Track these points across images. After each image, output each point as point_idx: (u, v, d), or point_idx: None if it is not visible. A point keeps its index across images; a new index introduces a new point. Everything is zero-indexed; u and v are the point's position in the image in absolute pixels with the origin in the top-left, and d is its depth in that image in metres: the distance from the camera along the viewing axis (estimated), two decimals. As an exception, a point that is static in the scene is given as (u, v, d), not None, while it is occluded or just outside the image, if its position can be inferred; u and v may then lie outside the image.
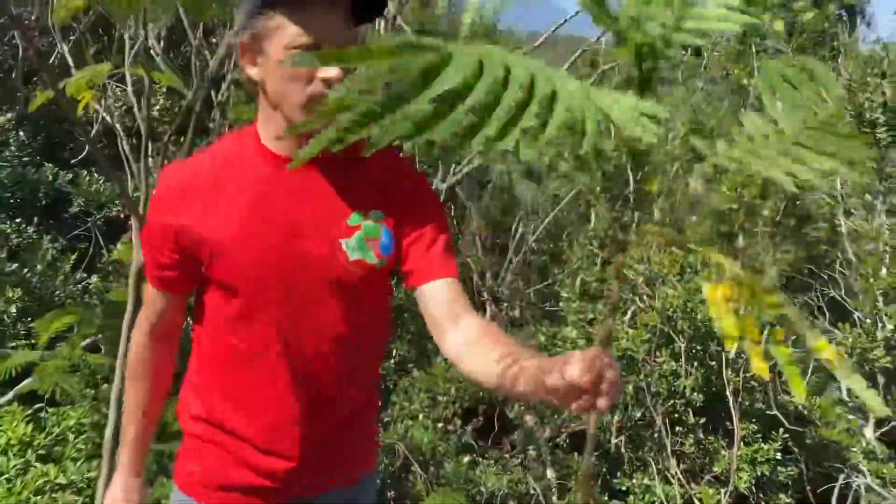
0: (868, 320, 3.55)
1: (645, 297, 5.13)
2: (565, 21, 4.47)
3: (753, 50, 5.88)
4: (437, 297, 1.29)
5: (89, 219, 5.15)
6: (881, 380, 3.50)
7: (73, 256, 4.61)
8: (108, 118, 3.98)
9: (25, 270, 4.11)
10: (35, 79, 5.81)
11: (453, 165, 5.08)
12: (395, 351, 4.75)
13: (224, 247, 1.27)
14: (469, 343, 1.24)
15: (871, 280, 3.58)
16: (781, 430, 3.98)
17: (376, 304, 1.39)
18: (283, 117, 1.25)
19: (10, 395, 3.09)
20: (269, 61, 1.21)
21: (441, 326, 1.28)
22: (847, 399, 3.58)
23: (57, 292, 4.15)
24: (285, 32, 1.18)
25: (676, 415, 4.86)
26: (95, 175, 5.12)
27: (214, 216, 1.28)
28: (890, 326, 3.29)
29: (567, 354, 0.96)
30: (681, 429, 4.85)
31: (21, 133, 5.26)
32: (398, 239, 1.32)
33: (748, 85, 5.57)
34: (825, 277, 4.19)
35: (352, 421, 1.42)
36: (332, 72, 1.17)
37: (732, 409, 4.29)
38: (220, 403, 1.39)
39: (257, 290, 1.29)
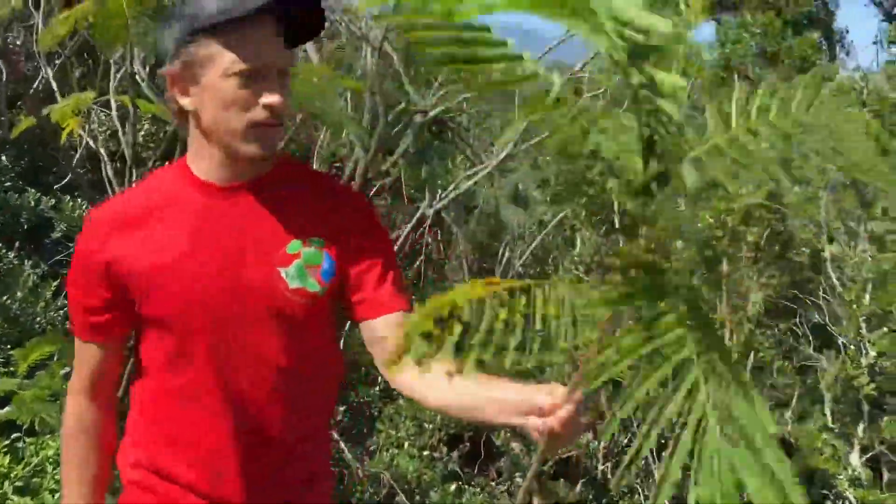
0: (852, 347, 3.56)
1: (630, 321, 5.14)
2: (549, 50, 4.51)
3: (736, 77, 5.96)
4: (389, 330, 1.26)
5: (72, 244, 5.09)
6: (865, 407, 3.51)
7: (55, 283, 4.56)
8: (92, 143, 3.96)
9: (5, 297, 4.05)
10: (19, 103, 5.79)
11: (440, 190, 5.09)
12: (379, 378, 4.72)
13: (157, 279, 1.23)
14: (425, 373, 1.21)
15: (854, 306, 3.60)
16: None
17: (320, 333, 1.34)
18: (218, 146, 1.21)
19: (-13, 425, 3.03)
20: (204, 90, 1.17)
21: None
22: (832, 426, 3.58)
23: (38, 319, 4.09)
24: (221, 59, 1.14)
25: (663, 440, 4.85)
26: (79, 200, 5.08)
27: (147, 248, 1.24)
28: (873, 353, 3.30)
29: (547, 384, 1.04)
30: (666, 454, 4.85)
31: (3, 158, 5.22)
32: (342, 267, 1.28)
33: (730, 112, 5.62)
34: (809, 303, 4.21)
35: (302, 460, 1.35)
36: (274, 97, 1.16)
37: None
38: (160, 448, 1.31)
39: (193, 324, 1.24)
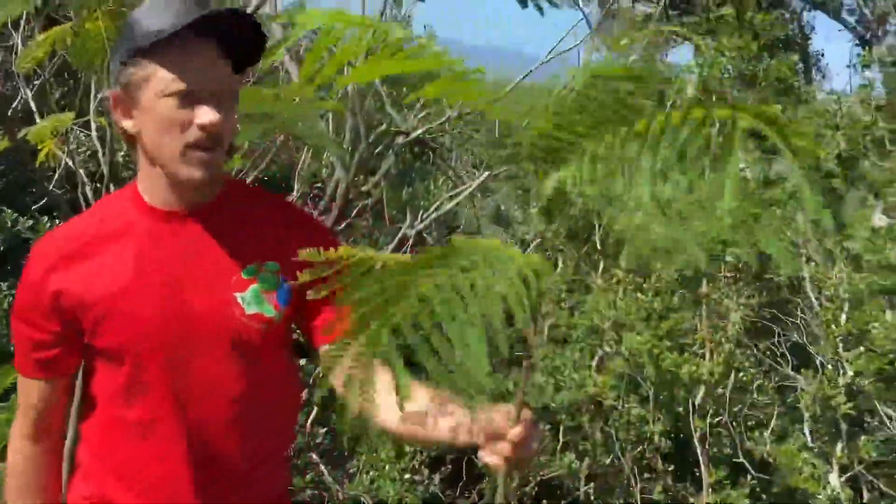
0: (830, 366, 3.59)
1: (612, 343, 5.15)
2: (531, 71, 4.55)
3: (713, 100, 6.03)
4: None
5: (49, 264, 5.01)
6: (844, 426, 3.54)
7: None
8: (70, 163, 3.93)
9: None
10: (-3, 123, 5.74)
11: (421, 211, 5.09)
12: (361, 399, 4.68)
13: (109, 309, 1.19)
14: (382, 394, 1.23)
15: (833, 326, 3.64)
16: (749, 476, 3.99)
17: (276, 359, 1.31)
18: (161, 170, 1.19)
19: (-41, 449, 2.96)
20: (143, 111, 1.15)
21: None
22: (811, 445, 3.60)
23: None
24: (157, 79, 1.12)
25: (645, 461, 4.85)
26: (57, 221, 5.04)
27: (97, 277, 1.20)
28: (851, 373, 3.33)
29: (498, 406, 1.01)
30: (649, 475, 4.83)
31: (-20, 177, 5.17)
32: (299, 291, 1.24)
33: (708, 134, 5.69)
34: (788, 323, 4.25)
35: (257, 488, 1.31)
36: (208, 118, 1.13)
37: (700, 456, 4.29)
38: (111, 481, 1.27)
39: (146, 354, 1.20)
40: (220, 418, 1.24)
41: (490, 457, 0.98)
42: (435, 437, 1.14)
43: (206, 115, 1.14)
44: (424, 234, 5.67)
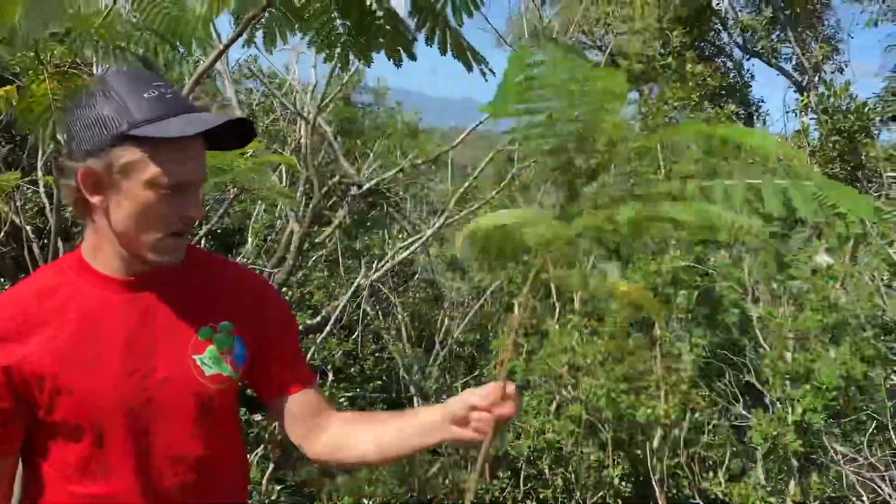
0: (779, 405, 3.67)
1: (569, 388, 5.17)
2: (481, 122, 4.66)
3: (659, 147, 6.23)
4: (305, 405, 1.30)
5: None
6: (794, 463, 3.60)
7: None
8: (17, 220, 3.86)
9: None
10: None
11: (375, 261, 5.11)
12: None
13: (65, 382, 1.14)
14: (343, 431, 1.29)
15: (780, 363, 3.72)
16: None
17: (231, 417, 1.31)
18: (123, 246, 1.17)
19: None
20: (122, 194, 1.13)
21: (313, 430, 1.30)
22: (765, 483, 3.65)
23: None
24: (146, 170, 1.12)
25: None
26: (1, 280, 4.92)
27: (51, 349, 1.15)
28: (800, 410, 3.41)
29: (463, 392, 1.15)
30: (612, 520, 4.82)
31: (-78, 236, 5.03)
32: (253, 349, 1.27)
33: (657, 180, 5.85)
34: (738, 363, 4.34)
35: None
36: (195, 212, 1.16)
37: (658, 497, 4.30)
38: None
39: (108, 428, 1.16)
40: (184, 483, 1.22)
41: (474, 431, 1.11)
42: (409, 447, 1.23)
43: (192, 208, 1.15)
44: (379, 285, 5.69)
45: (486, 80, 1.66)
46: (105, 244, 1.20)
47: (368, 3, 1.58)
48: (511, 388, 1.09)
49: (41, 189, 3.79)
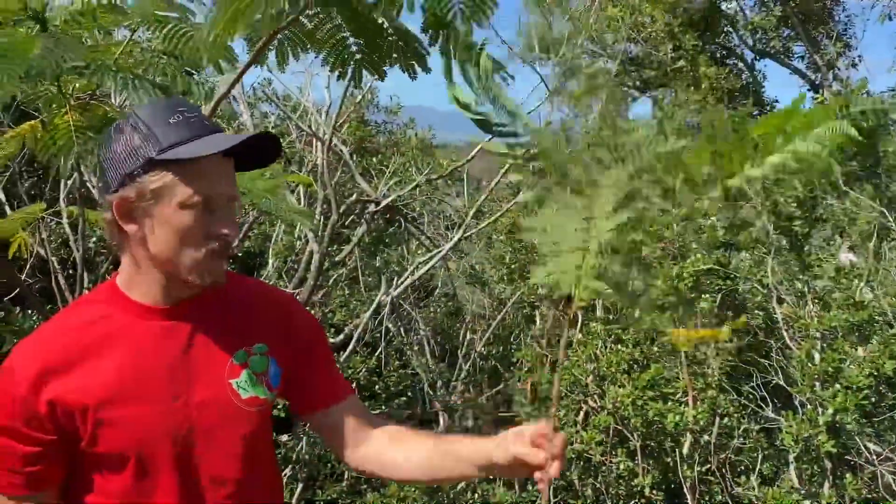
0: (809, 406, 3.62)
1: (596, 398, 5.14)
2: (492, 137, 4.67)
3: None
4: (347, 416, 1.33)
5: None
6: (828, 465, 3.54)
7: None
8: (42, 252, 3.92)
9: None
10: (-33, 215, 5.73)
11: (395, 277, 5.12)
12: (346, 474, 4.61)
13: (109, 413, 1.17)
14: (388, 448, 1.31)
15: (810, 365, 3.67)
16: (743, 523, 3.95)
17: (267, 437, 1.34)
18: (163, 273, 1.20)
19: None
20: (156, 220, 1.16)
21: (354, 440, 1.32)
22: (799, 487, 3.59)
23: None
24: (177, 192, 1.14)
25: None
26: (28, 311, 4.99)
27: (94, 382, 1.17)
28: (830, 411, 3.36)
29: (513, 431, 1.12)
30: (644, 530, 4.77)
31: (-50, 271, 5.12)
32: (287, 368, 1.30)
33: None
34: (766, 365, 4.29)
35: None
36: (231, 229, 1.18)
37: (692, 505, 4.25)
38: None
39: (153, 456, 1.18)
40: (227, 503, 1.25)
41: (542, 479, 1.07)
42: (457, 475, 1.24)
43: (228, 225, 1.18)
44: (400, 301, 5.70)
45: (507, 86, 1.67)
46: (142, 273, 1.22)
47: (381, 22, 1.61)
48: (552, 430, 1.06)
49: (64, 220, 3.85)
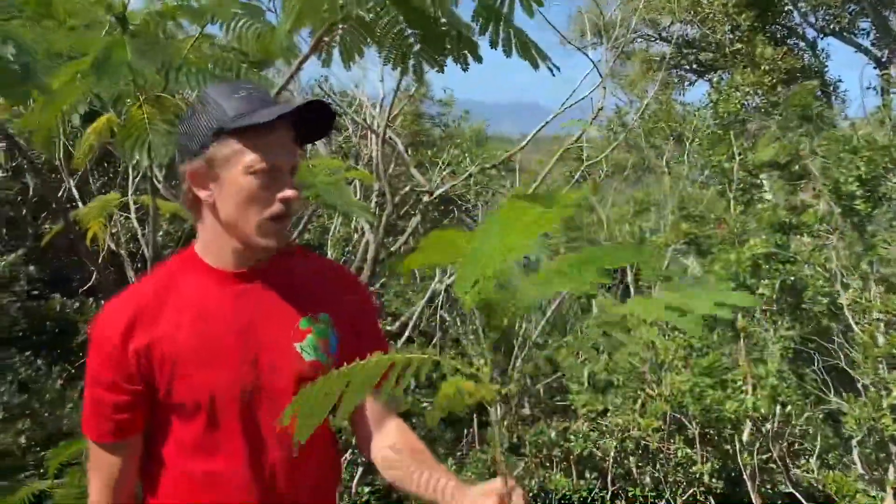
0: (872, 389, 3.54)
1: (653, 385, 5.10)
2: (546, 123, 4.69)
3: (732, 134, 6.11)
4: (375, 404, 1.40)
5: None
6: (892, 448, 3.46)
7: (81, 385, 4.64)
8: (113, 246, 4.11)
9: (35, 401, 4.14)
10: (44, 214, 6.02)
11: (450, 266, 5.17)
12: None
13: (185, 366, 1.28)
14: (390, 452, 1.37)
15: (875, 348, 3.59)
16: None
17: None
18: (233, 236, 1.30)
19: (21, 528, 3.06)
20: (224, 185, 1.27)
21: (372, 429, 1.40)
22: (862, 471, 3.52)
23: (65, 421, 4.15)
24: (243, 158, 1.25)
25: (697, 503, 4.74)
26: (102, 302, 5.22)
27: (172, 334, 1.28)
28: (895, 393, 3.28)
29: (483, 487, 1.09)
30: (704, 518, 4.73)
31: (31, 267, 5.41)
32: (343, 339, 1.37)
33: (730, 169, 5.74)
34: (828, 349, 4.20)
35: None
36: (290, 192, 1.27)
37: (751, 493, 4.20)
38: None
39: (223, 407, 1.29)
40: (285, 463, 1.34)
41: None
42: (412, 490, 1.28)
43: (288, 190, 1.27)
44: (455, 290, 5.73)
45: (553, 76, 1.70)
46: (216, 239, 1.34)
47: (433, 11, 1.66)
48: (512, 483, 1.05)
49: (132, 215, 4.02)
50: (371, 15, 1.70)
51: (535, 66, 1.72)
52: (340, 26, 1.70)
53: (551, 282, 0.91)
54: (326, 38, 1.71)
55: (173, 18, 1.65)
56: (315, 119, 1.32)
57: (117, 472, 1.35)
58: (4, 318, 4.85)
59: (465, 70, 1.74)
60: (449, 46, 1.68)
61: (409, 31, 1.69)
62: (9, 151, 4.84)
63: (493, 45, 1.68)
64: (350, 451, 4.35)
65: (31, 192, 5.20)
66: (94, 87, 1.64)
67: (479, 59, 1.72)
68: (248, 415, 1.30)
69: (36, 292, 5.27)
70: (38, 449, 3.67)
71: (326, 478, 1.45)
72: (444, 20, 1.67)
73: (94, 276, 5.13)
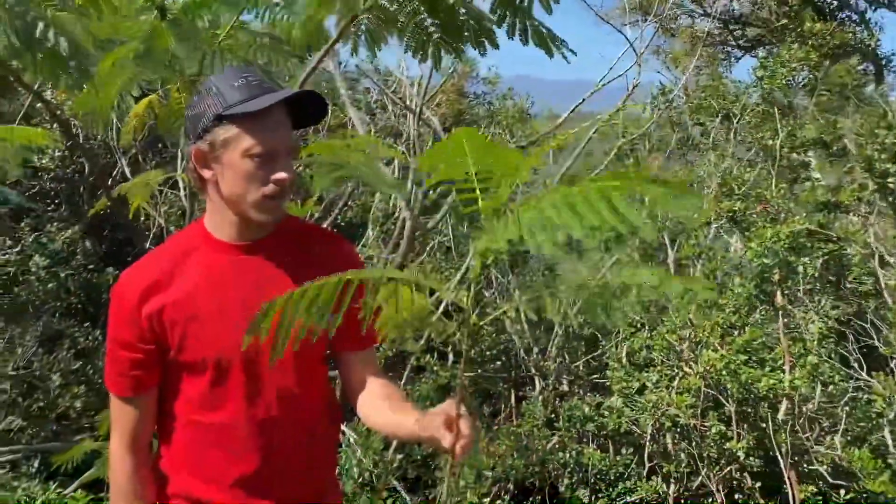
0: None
1: (691, 364, 5.10)
2: (583, 101, 4.71)
3: (776, 111, 6.01)
4: (365, 364, 1.59)
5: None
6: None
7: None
8: (162, 222, 4.30)
9: (89, 368, 4.39)
10: (100, 192, 6.29)
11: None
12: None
13: (193, 327, 1.43)
14: (372, 402, 1.56)
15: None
16: (843, 491, 3.87)
17: (321, 366, 1.58)
18: (234, 211, 1.44)
19: (75, 484, 3.29)
20: (225, 166, 1.40)
21: (360, 387, 1.58)
22: (893, 450, 3.51)
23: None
24: (242, 142, 1.37)
25: (735, 482, 4.75)
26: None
27: (182, 300, 1.44)
28: (927, 372, 3.25)
29: (433, 411, 1.28)
30: (740, 496, 4.74)
31: (88, 242, 5.68)
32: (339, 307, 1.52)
33: (773, 146, 5.67)
34: (861, 328, 4.16)
35: (317, 487, 1.57)
36: (284, 175, 1.40)
37: (786, 471, 4.20)
38: (196, 482, 1.50)
39: (227, 365, 1.44)
40: (287, 418, 1.50)
41: (448, 441, 1.23)
42: (400, 437, 1.53)
43: (282, 172, 1.40)
44: (490, 268, 5.81)
45: (569, 62, 1.75)
46: (220, 213, 1.48)
47: (451, 2, 1.73)
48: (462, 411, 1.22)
49: (182, 192, 4.20)
50: (393, 6, 1.78)
51: (550, 55, 1.79)
52: (366, 16, 1.78)
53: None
54: (353, 28, 1.80)
55: (210, 8, 1.76)
56: (310, 105, 1.45)
57: (135, 423, 1.51)
58: (63, 290, 5.12)
59: (482, 55, 1.82)
60: (467, 34, 1.76)
61: (430, 21, 1.77)
62: (65, 132, 5.08)
63: (510, 35, 1.75)
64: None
65: (86, 171, 5.44)
66: (139, 73, 1.76)
67: (496, 46, 1.79)
68: (251, 373, 1.46)
69: (92, 266, 5.53)
70: (93, 413, 3.92)
71: (326, 434, 1.62)
72: (462, 10, 1.74)
73: (146, 251, 5.35)
